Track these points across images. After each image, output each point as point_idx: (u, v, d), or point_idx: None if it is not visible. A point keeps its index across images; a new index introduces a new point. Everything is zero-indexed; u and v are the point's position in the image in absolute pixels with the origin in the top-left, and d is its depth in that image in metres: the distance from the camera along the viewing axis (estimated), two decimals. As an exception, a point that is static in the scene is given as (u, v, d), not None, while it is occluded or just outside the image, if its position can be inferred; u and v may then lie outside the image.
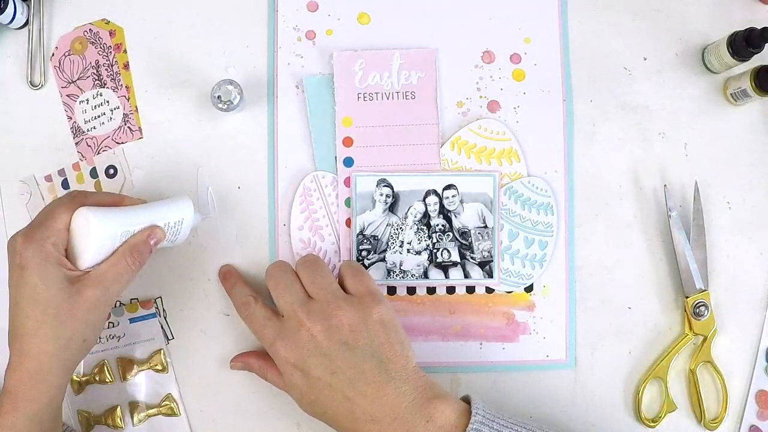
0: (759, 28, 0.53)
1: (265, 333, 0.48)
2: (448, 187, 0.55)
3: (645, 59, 0.58)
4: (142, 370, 0.54)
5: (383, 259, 0.55)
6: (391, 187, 0.55)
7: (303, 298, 0.47)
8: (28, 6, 0.56)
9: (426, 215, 0.55)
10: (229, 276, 0.53)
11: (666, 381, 0.54)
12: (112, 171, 0.55)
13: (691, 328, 0.54)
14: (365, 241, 0.55)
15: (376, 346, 0.46)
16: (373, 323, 0.46)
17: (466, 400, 0.46)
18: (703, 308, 0.54)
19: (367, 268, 0.55)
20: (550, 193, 0.56)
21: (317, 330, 0.45)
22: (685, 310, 0.54)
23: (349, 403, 0.45)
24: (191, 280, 0.55)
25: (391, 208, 0.55)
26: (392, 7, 0.57)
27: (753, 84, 0.54)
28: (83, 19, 0.56)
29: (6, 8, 0.52)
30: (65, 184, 0.55)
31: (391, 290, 0.55)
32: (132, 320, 0.54)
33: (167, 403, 0.53)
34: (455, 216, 0.55)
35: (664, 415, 0.55)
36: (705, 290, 0.54)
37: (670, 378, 0.54)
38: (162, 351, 0.54)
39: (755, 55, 0.54)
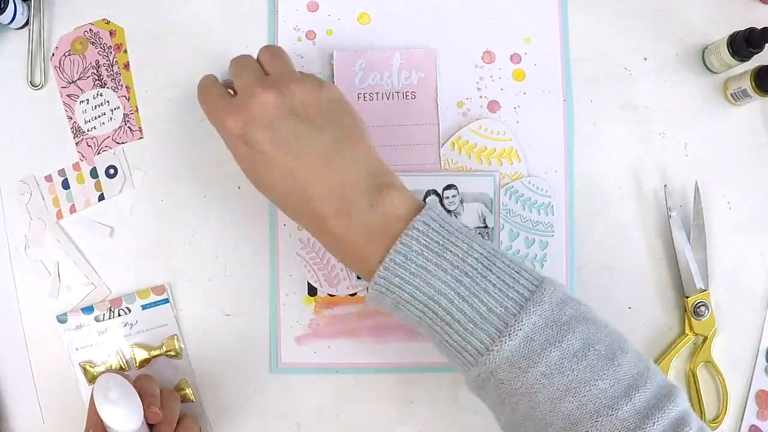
0: (759, 28, 0.53)
1: (215, 108, 0.46)
2: (449, 187, 0.55)
3: (645, 59, 0.58)
4: (156, 356, 0.54)
5: (383, 259, 0.55)
6: (391, 187, 0.55)
7: (261, 75, 0.46)
8: (29, 6, 0.56)
9: (426, 215, 0.55)
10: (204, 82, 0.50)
11: (666, 381, 0.54)
12: (112, 171, 0.55)
13: (691, 328, 0.54)
14: (365, 241, 0.55)
15: (325, 121, 0.44)
16: (324, 100, 0.45)
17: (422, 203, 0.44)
18: (703, 308, 0.54)
19: (366, 267, 0.54)
20: (550, 193, 0.56)
21: (268, 98, 0.43)
22: (685, 310, 0.54)
23: (292, 179, 0.43)
24: (191, 280, 0.55)
25: (391, 208, 0.55)
26: (392, 7, 0.57)
27: (753, 84, 0.54)
28: (83, 19, 0.56)
29: (6, 8, 0.52)
30: (65, 184, 0.55)
31: (391, 290, 0.55)
32: (144, 307, 0.54)
33: (182, 388, 0.53)
34: (455, 216, 0.55)
35: (664, 415, 0.55)
36: (705, 290, 0.54)
37: (670, 378, 0.54)
38: (176, 336, 0.54)
39: (755, 55, 0.54)
